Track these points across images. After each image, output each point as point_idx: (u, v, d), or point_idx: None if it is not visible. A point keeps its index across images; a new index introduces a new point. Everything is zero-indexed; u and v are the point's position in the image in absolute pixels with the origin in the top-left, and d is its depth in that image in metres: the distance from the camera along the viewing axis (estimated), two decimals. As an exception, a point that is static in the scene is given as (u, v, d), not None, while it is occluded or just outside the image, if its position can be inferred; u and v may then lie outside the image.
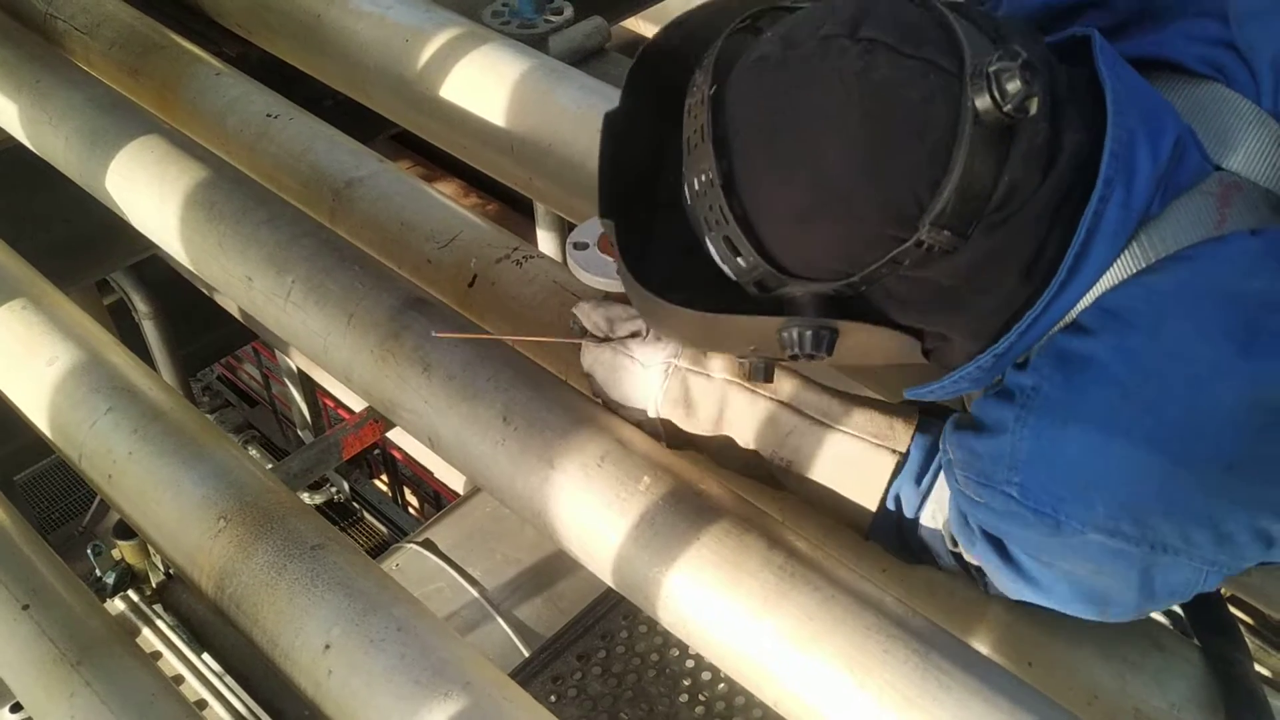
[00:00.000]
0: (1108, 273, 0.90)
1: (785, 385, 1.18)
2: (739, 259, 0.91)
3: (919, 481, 1.14)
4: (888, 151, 0.85)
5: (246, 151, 1.82)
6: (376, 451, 6.82)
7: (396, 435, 4.50)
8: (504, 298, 1.54)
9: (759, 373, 1.04)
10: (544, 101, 1.72)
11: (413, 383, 1.31)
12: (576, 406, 1.25)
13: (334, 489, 6.13)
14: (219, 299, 4.34)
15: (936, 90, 0.84)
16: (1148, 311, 0.89)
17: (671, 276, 0.97)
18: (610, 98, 1.63)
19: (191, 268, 1.60)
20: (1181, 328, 0.88)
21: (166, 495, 1.32)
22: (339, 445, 2.11)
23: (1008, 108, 0.82)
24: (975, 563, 1.08)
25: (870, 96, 0.85)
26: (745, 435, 1.21)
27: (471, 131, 1.81)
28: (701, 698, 1.71)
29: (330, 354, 1.40)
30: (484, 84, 1.77)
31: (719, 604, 1.08)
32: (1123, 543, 0.91)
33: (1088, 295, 0.91)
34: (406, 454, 6.32)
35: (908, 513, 1.15)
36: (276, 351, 6.16)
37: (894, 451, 1.14)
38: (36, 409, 1.46)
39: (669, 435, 1.23)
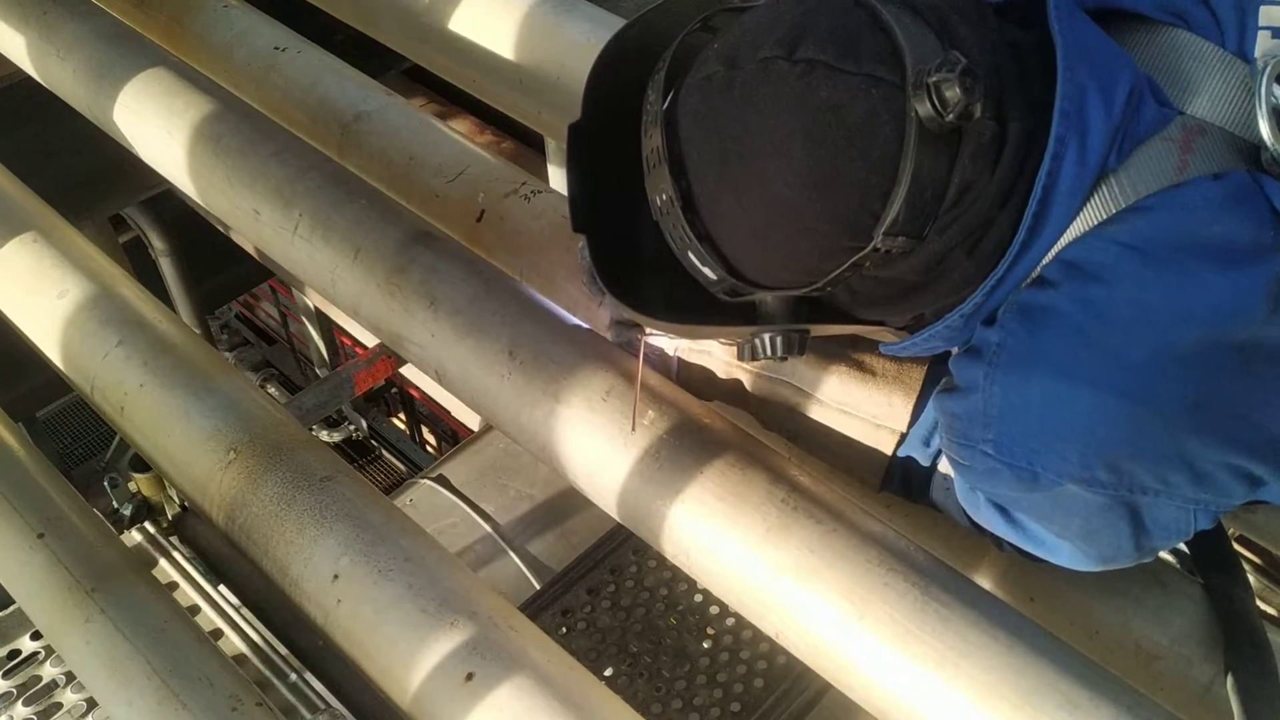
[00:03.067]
0: (1069, 229, 0.90)
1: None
2: (706, 271, 0.92)
3: (927, 443, 1.14)
4: (834, 170, 0.85)
5: (254, 85, 1.81)
6: (394, 390, 6.86)
7: (413, 374, 4.52)
8: (512, 233, 1.53)
9: (745, 353, 1.05)
10: (552, 34, 1.70)
11: (419, 316, 1.31)
12: (583, 341, 1.25)
13: (352, 427, 6.18)
14: (235, 236, 4.34)
15: (878, 104, 0.83)
16: (1107, 261, 0.88)
17: (662, 267, 0.97)
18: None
19: (200, 201, 1.59)
20: (1140, 275, 0.87)
21: (177, 427, 1.33)
22: (351, 381, 2.12)
23: (950, 116, 0.81)
24: (984, 525, 1.09)
25: (812, 119, 0.84)
26: (750, 410, 1.22)
27: (480, 65, 1.79)
28: (710, 631, 1.73)
29: (338, 288, 1.40)
30: (492, 17, 1.75)
31: (721, 537, 1.09)
32: (1101, 490, 0.91)
33: (1050, 251, 0.91)
34: (424, 392, 6.36)
35: (919, 474, 1.15)
36: (293, 289, 6.18)
37: (893, 431, 1.14)
38: (48, 341, 1.47)
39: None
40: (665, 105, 0.90)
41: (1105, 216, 0.88)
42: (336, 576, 1.18)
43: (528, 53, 1.72)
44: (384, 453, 6.45)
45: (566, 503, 2.51)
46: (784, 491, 1.09)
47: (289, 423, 1.36)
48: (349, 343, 6.35)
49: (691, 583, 1.79)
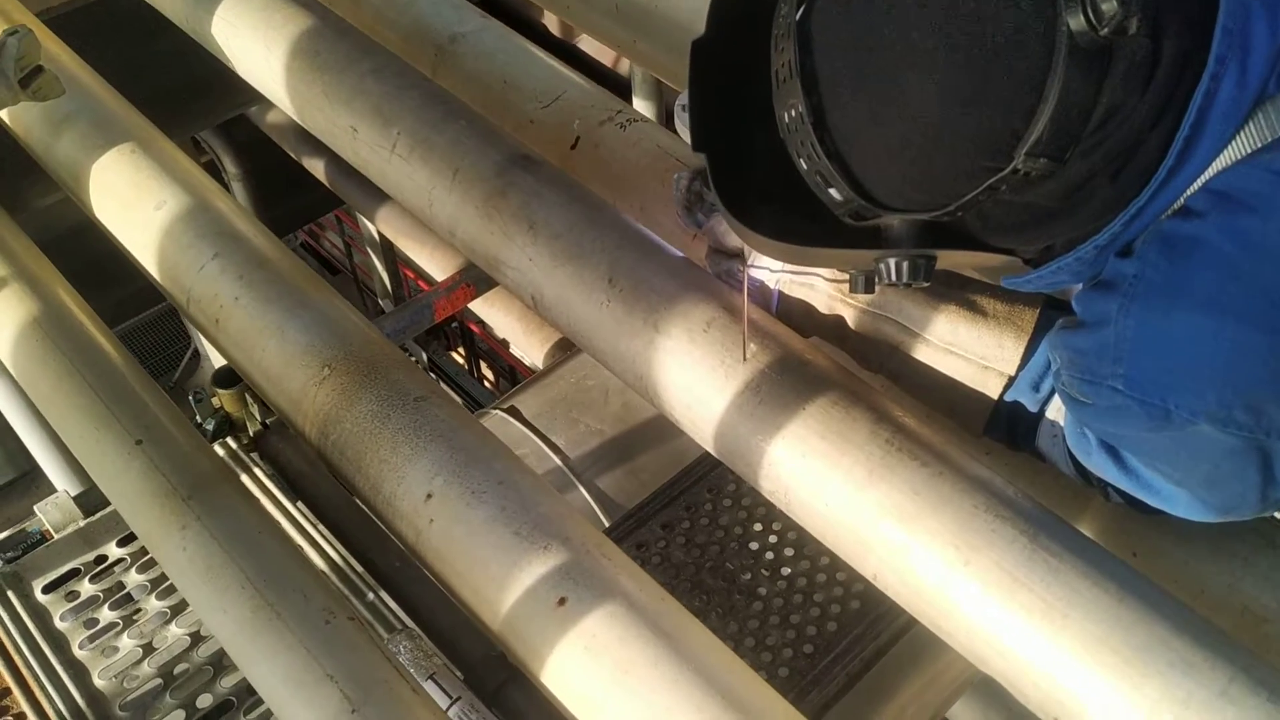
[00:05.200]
0: (1219, 157, 0.85)
1: (890, 296, 1.16)
2: (832, 191, 0.88)
3: (1037, 388, 1.11)
4: (978, 83, 0.81)
5: (348, 3, 1.79)
6: (454, 324, 6.90)
7: (475, 303, 4.53)
8: (606, 161, 1.51)
9: (860, 285, 1.01)
10: (654, -41, 1.66)
11: (518, 240, 1.30)
12: (684, 272, 1.23)
13: (413, 359, 6.23)
14: (307, 162, 4.36)
15: (1028, 16, 0.79)
16: (1261, 191, 0.83)
17: (772, 196, 0.94)
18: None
19: (297, 118, 1.59)
20: None
21: (271, 342, 1.34)
22: (431, 308, 2.12)
23: (1104, 31, 0.77)
24: (1095, 472, 1.06)
25: (958, 28, 0.80)
26: (851, 348, 1.19)
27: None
28: (784, 572, 1.72)
29: (434, 209, 1.39)
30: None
31: (823, 474, 1.07)
32: (1236, 432, 0.87)
33: (1198, 180, 0.86)
34: (485, 328, 6.39)
35: (1025, 419, 1.12)
36: (360, 219, 6.21)
37: (1001, 374, 1.11)
38: (146, 253, 1.48)
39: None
40: (799, 16, 0.87)
41: (1260, 144, 0.84)
42: (430, 496, 1.18)
43: (627, -22, 1.68)
44: (442, 385, 6.50)
45: (636, 440, 2.51)
46: (888, 432, 1.07)
47: (382, 342, 1.36)
48: (413, 276, 6.38)
49: (767, 523, 1.78)
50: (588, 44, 3.12)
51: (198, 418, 1.77)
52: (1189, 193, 0.86)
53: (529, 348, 4.52)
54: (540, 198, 1.31)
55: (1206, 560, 1.13)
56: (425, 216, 1.41)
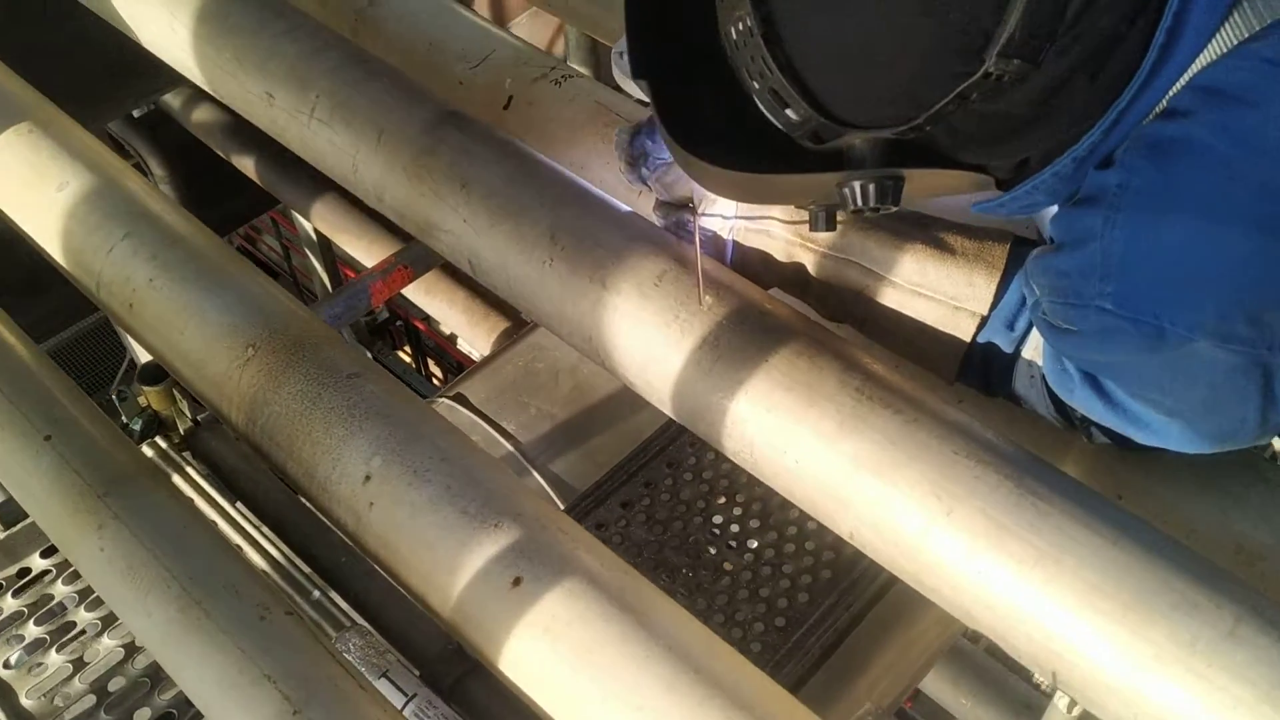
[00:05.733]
0: (1205, 50, 0.79)
1: (852, 238, 1.08)
2: (788, 112, 0.80)
3: (1012, 326, 1.04)
4: None
5: (259, -30, 1.69)
6: (399, 323, 6.78)
7: (417, 295, 4.44)
8: (542, 119, 1.43)
9: (820, 221, 0.94)
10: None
11: (450, 200, 1.21)
12: (631, 225, 1.15)
13: (358, 358, 6.09)
14: (237, 160, 4.22)
15: None
16: (1254, 83, 0.77)
17: (719, 130, 0.86)
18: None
19: (207, 87, 1.48)
20: None
21: (191, 323, 1.24)
22: (367, 291, 2.03)
23: None
24: (1078, 410, 1.00)
25: None
26: (813, 298, 1.12)
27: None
28: (751, 545, 1.65)
29: (360, 173, 1.30)
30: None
31: (790, 429, 1.00)
32: (1237, 348, 0.80)
33: (1182, 77, 0.80)
34: (431, 324, 6.27)
35: (1000, 361, 1.06)
36: (296, 218, 6.06)
37: (973, 314, 1.04)
38: (49, 237, 1.37)
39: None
40: None
41: (1247, 34, 0.77)
42: (368, 478, 1.09)
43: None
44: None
45: (589, 421, 2.43)
46: (858, 380, 1.00)
47: (310, 319, 1.27)
48: (353, 275, 6.24)
49: (730, 495, 1.71)
50: (521, 30, 3.04)
51: (123, 418, 1.66)
52: (1172, 92, 0.79)
53: (475, 339, 4.42)
54: (471, 155, 1.22)
55: (1195, 498, 1.07)
56: (350, 183, 1.32)
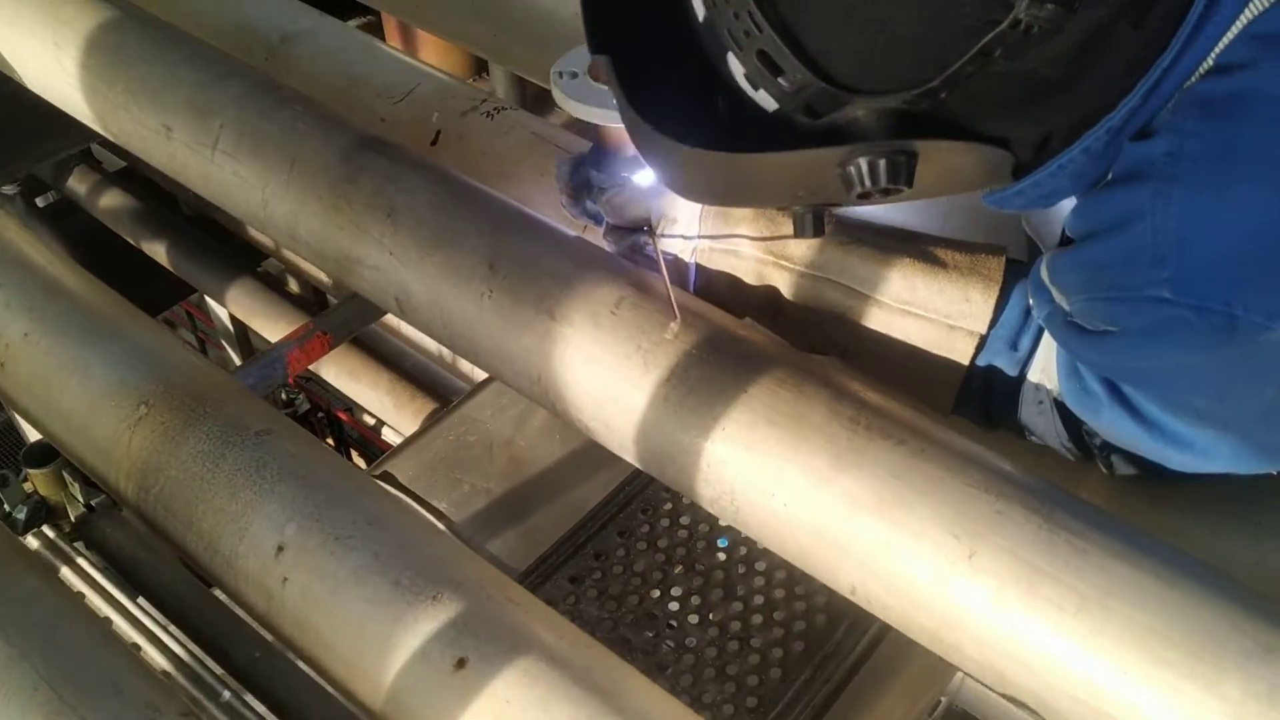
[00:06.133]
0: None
1: (831, 255, 0.97)
2: (780, 80, 0.69)
3: (1015, 345, 0.92)
4: None
5: (158, 8, 1.55)
6: (320, 414, 6.55)
7: (339, 378, 4.26)
8: (474, 155, 1.31)
9: (807, 226, 0.81)
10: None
11: (374, 231, 1.06)
12: (579, 249, 1.02)
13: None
14: (147, 246, 4.04)
15: None
16: None
17: (690, 114, 0.74)
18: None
19: (99, 127, 1.33)
20: None
21: (73, 380, 1.07)
22: (283, 360, 1.86)
23: None
24: (1104, 434, 0.87)
25: None
26: (788, 325, 1.00)
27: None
28: (715, 618, 1.50)
29: (270, 209, 1.15)
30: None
31: (778, 468, 0.86)
32: None
33: (1233, 27, 0.69)
34: (354, 414, 6.05)
35: (1003, 386, 0.94)
36: (211, 307, 5.85)
37: (971, 333, 0.93)
38: (-93, 293, 1.20)
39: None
40: None
41: None
42: (281, 548, 0.93)
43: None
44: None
45: (529, 496, 2.27)
46: (850, 409, 0.87)
47: (213, 371, 1.11)
48: (272, 363, 6.01)
49: (689, 564, 1.57)
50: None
51: (5, 505, 1.47)
52: (1220, 47, 0.69)
53: (402, 423, 4.23)
54: (397, 181, 1.08)
55: (1229, 534, 0.95)
56: (260, 221, 1.17)
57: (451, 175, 1.11)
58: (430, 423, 2.68)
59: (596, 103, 1.07)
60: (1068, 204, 0.82)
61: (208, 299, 4.96)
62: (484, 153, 1.30)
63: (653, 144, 0.73)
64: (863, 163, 0.68)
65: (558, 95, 1.10)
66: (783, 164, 0.72)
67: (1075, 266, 0.76)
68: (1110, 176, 0.74)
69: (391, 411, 4.32)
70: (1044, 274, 0.84)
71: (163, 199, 4.08)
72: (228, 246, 4.24)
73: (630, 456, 0.97)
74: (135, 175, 3.92)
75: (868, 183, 0.69)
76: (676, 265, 1.02)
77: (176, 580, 1.38)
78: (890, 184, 0.68)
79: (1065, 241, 0.82)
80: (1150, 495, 0.97)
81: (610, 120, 1.07)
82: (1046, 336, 0.91)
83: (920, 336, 0.95)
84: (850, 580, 0.86)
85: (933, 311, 0.94)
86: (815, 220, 0.79)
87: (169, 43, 1.27)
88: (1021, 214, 0.98)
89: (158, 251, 4.10)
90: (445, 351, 3.65)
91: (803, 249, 0.97)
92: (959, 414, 0.97)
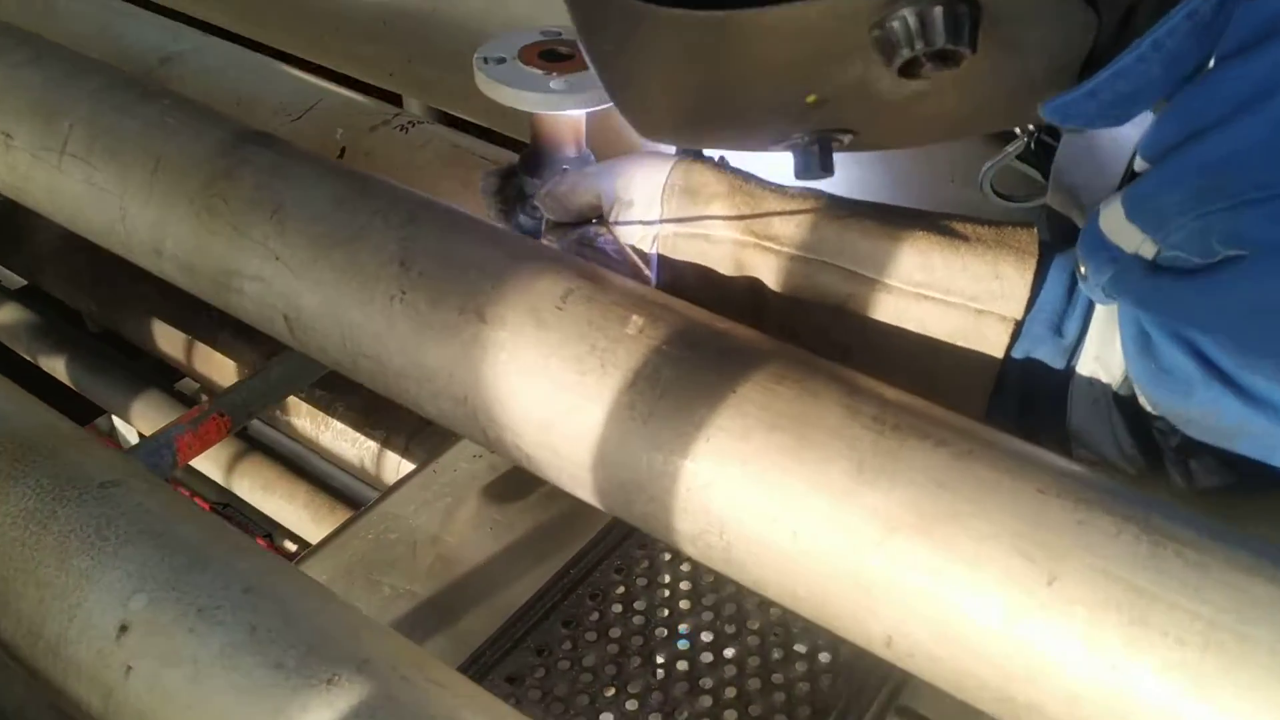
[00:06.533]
0: None
1: (825, 234, 0.79)
2: None
3: (1059, 329, 0.75)
4: None
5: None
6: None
7: (252, 493, 3.98)
8: (388, 168, 1.12)
9: (814, 164, 0.64)
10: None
11: (256, 234, 0.86)
12: (512, 241, 0.83)
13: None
14: (45, 363, 3.77)
15: None
16: None
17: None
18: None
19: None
20: None
21: None
22: (171, 446, 1.61)
23: None
24: (1194, 426, 0.69)
25: None
26: (773, 322, 0.81)
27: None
28: (705, 684, 1.28)
29: (130, 220, 0.94)
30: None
31: (783, 486, 0.66)
32: None
33: None
34: (273, 540, 5.72)
35: (1047, 381, 0.76)
36: (118, 428, 5.52)
37: (1004, 318, 0.75)
38: None
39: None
40: None
41: None
42: (124, 628, 0.69)
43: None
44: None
45: (457, 597, 2.02)
46: (873, 406, 0.68)
47: (56, 420, 0.88)
48: (188, 494, 5.67)
49: (646, 655, 1.34)
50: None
51: None
52: None
53: (321, 536, 3.95)
54: (286, 175, 0.89)
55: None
56: (118, 237, 0.96)
57: (353, 170, 0.92)
58: (346, 520, 2.43)
59: (529, 87, 0.90)
60: (1128, 138, 0.66)
61: (115, 419, 4.64)
62: (398, 166, 1.12)
63: (611, 33, 0.55)
64: (908, 13, 0.50)
65: (483, 82, 0.92)
66: (797, 26, 0.53)
67: (1180, 177, 0.58)
68: (1226, 50, 0.56)
69: (310, 524, 4.03)
70: (1106, 223, 0.66)
71: (66, 315, 3.84)
72: (138, 364, 3.99)
73: (586, 492, 0.76)
74: (36, 292, 3.69)
75: (918, 43, 0.50)
76: (636, 257, 0.83)
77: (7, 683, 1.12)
78: (951, 42, 0.50)
79: (1131, 179, 0.65)
80: (1235, 514, 0.78)
81: (545, 106, 0.90)
82: (1099, 319, 0.74)
83: (941, 326, 0.76)
84: (885, 629, 0.65)
85: (955, 294, 0.75)
86: (823, 150, 0.61)
87: (13, 44, 1.08)
88: (1055, 171, 0.81)
89: (55, 366, 3.83)
90: (367, 460, 3.42)
91: (790, 227, 0.78)
92: (993, 417, 0.78)
